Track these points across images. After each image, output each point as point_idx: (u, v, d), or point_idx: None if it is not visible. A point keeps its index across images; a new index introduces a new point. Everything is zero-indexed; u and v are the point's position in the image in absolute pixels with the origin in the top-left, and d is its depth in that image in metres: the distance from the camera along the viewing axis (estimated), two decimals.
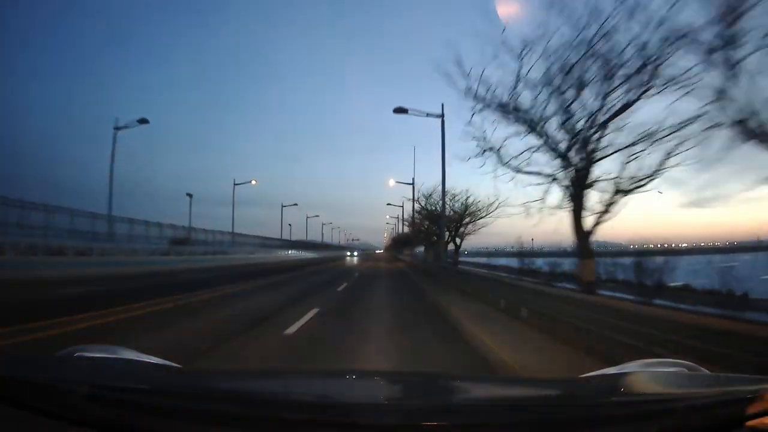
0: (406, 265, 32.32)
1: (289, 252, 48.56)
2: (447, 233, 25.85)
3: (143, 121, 21.67)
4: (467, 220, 25.98)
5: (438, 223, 23.03)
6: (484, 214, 25.16)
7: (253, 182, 35.82)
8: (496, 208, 23.69)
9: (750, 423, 0.89)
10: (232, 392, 1.21)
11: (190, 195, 31.48)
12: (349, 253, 71.60)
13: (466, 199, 25.53)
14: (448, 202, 21.65)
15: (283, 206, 48.39)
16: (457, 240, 26.62)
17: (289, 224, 58.59)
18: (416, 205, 29.67)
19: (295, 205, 50.69)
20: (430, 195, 27.44)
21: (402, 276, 20.28)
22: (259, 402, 1.01)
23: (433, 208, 27.35)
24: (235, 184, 34.59)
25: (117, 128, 21.56)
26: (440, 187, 21.80)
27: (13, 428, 0.91)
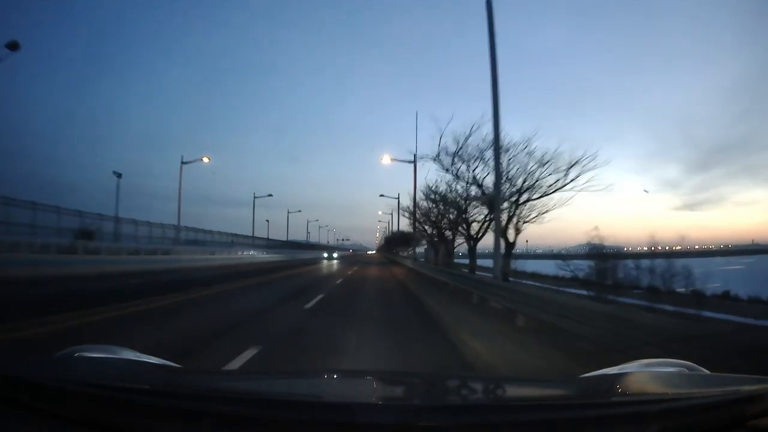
0: (408, 275, 20.58)
1: (251, 253, 37.44)
2: (464, 226, 17.16)
3: (12, 46, 15.41)
4: (526, 197, 13.73)
5: (493, 187, 11.74)
6: (562, 184, 12.92)
7: (205, 159, 28.53)
8: (578, 174, 12.29)
9: (750, 423, 0.89)
10: (232, 392, 1.21)
11: (118, 174, 23.70)
12: (326, 255, 52.01)
13: (531, 152, 13.17)
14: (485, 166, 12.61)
15: (255, 197, 40.88)
16: (509, 232, 13.77)
17: (267, 220, 51.06)
18: (432, 176, 21.13)
19: (270, 196, 42.78)
20: (460, 149, 14.65)
21: (421, 317, 7.85)
22: (259, 402, 1.01)
23: (465, 166, 15.04)
24: (182, 163, 27.20)
25: None
26: (474, 136, 14.08)
27: (13, 428, 0.91)
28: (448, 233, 21.63)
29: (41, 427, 0.91)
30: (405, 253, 40.07)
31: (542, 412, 0.98)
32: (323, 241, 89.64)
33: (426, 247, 30.02)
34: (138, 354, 1.40)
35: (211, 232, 33.77)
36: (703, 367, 1.33)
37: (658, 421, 0.90)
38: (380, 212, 52.60)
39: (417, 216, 24.64)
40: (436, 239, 24.52)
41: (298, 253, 51.73)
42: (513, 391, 1.48)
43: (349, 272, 22.93)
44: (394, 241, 49.70)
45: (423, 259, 28.55)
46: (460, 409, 1.05)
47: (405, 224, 37.65)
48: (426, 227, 25.51)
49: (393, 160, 23.68)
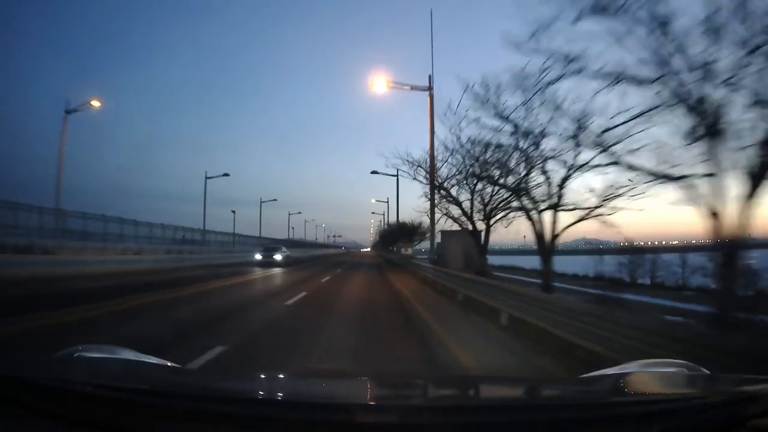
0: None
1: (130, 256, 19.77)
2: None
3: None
4: None
5: None
6: None
7: (94, 103, 18.92)
8: None
9: (750, 423, 0.89)
10: (232, 392, 1.21)
11: None
12: (260, 256, 23.68)
13: None
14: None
15: (207, 177, 29.86)
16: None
17: (233, 211, 38.91)
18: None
19: (226, 175, 30.42)
20: None
21: None
22: (259, 402, 1.01)
23: None
24: (66, 112, 18.50)
25: None
26: None
27: (13, 428, 0.91)
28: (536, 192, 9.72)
29: (41, 427, 0.91)
30: (407, 250, 29.88)
31: (542, 412, 0.98)
32: (309, 238, 76.57)
33: (440, 240, 18.60)
34: (138, 354, 1.40)
35: (108, 218, 21.29)
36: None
37: (658, 421, 0.90)
38: (373, 200, 41.22)
39: (435, 182, 14.06)
40: (487, 219, 13.08)
41: (228, 255, 29.29)
42: (513, 392, 1.49)
43: (288, 303, 8.11)
44: (392, 235, 38.20)
45: (431, 261, 14.72)
46: (460, 409, 1.05)
47: (415, 202, 28.14)
48: (459, 196, 14.09)
49: (395, 85, 14.43)
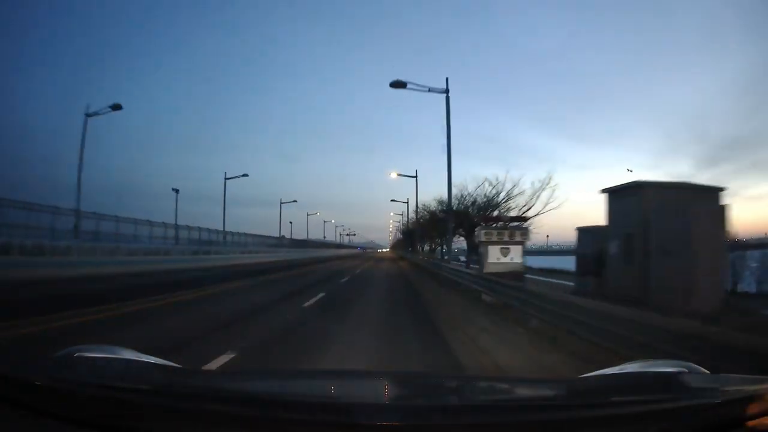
0: None
1: None
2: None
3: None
4: None
5: None
6: None
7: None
8: None
9: (750, 423, 0.89)
10: (232, 392, 1.21)
11: None
12: None
13: None
14: None
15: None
16: None
17: (174, 189, 28.52)
18: None
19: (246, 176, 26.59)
20: None
21: None
22: (259, 402, 1.01)
23: None
24: None
25: None
26: None
27: (13, 428, 0.91)
28: None
29: (41, 427, 0.91)
30: (506, 254, 11.11)
31: (542, 412, 0.98)
32: (315, 237, 65.00)
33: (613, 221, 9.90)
34: (138, 354, 1.40)
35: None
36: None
37: (658, 421, 0.90)
38: (394, 174, 28.73)
39: None
40: None
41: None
42: (513, 391, 1.48)
43: None
44: (437, 223, 25.56)
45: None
46: (460, 409, 1.05)
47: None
48: None
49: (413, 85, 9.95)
